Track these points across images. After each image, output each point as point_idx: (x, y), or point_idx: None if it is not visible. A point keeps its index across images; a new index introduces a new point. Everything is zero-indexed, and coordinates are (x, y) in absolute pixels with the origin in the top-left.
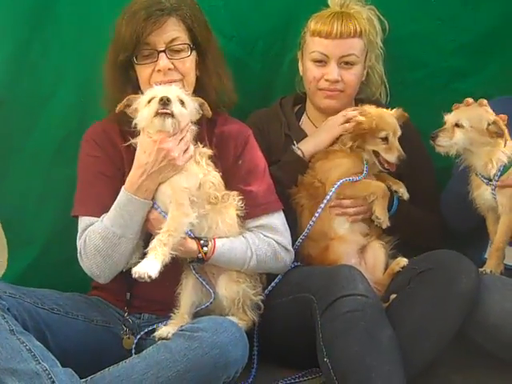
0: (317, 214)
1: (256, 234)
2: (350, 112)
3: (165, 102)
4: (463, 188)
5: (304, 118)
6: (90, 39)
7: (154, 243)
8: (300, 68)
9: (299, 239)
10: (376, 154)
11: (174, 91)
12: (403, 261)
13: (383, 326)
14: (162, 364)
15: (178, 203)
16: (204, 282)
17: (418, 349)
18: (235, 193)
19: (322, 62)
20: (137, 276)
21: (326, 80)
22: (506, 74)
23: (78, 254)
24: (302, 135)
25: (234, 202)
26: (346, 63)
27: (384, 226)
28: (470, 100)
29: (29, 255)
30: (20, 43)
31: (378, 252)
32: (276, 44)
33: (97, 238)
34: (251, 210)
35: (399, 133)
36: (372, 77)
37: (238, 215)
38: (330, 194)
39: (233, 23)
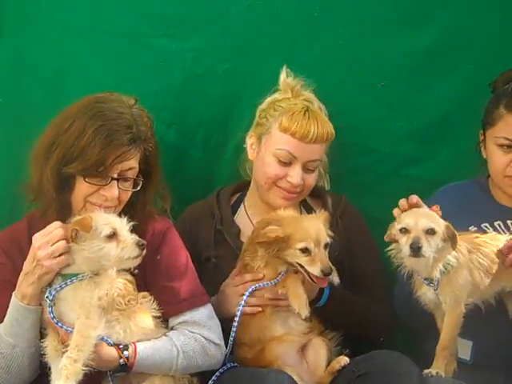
0: (237, 318)
1: (180, 330)
2: None
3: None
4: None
5: (241, 210)
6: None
7: (63, 361)
8: (249, 152)
9: (230, 339)
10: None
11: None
12: (344, 359)
13: None
14: None
15: (85, 317)
16: None
17: None
18: (145, 294)
19: (287, 162)
20: None
21: (289, 182)
22: (456, 159)
23: None
24: (235, 229)
25: (144, 304)
26: (309, 168)
27: (303, 316)
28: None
29: None
30: None
31: (319, 349)
32: (218, 131)
33: None
34: (174, 307)
35: (325, 240)
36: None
37: (152, 316)
38: (242, 302)
39: (172, 110)
